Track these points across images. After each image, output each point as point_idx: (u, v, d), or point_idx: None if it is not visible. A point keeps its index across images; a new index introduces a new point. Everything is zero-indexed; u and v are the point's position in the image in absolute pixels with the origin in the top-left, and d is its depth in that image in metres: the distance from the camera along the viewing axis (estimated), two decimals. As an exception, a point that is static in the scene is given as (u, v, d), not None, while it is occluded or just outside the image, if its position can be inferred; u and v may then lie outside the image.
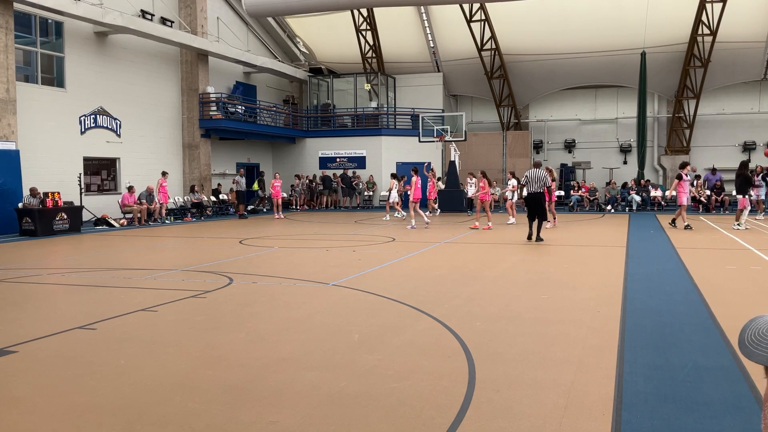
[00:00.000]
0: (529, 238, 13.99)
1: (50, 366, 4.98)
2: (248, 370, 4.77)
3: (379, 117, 30.13)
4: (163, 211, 21.30)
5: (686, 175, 17.05)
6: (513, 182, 19.79)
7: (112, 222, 19.43)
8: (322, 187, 28.54)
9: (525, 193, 14.50)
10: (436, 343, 5.52)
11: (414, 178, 18.66)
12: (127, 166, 22.56)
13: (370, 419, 3.81)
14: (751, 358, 0.86)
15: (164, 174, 21.74)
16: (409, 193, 19.34)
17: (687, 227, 16.33)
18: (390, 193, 20.96)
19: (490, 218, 17.34)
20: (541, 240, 13.82)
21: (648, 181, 27.10)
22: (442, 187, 24.98)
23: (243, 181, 23.48)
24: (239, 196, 23.48)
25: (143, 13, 22.51)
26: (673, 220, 17.39)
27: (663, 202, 25.87)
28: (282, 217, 22.51)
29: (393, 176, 21.25)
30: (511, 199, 19.64)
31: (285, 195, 26.49)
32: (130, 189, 20.43)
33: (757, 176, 19.75)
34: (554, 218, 18.15)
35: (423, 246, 13.23)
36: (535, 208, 13.86)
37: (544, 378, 4.54)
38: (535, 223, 13.96)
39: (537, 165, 14.53)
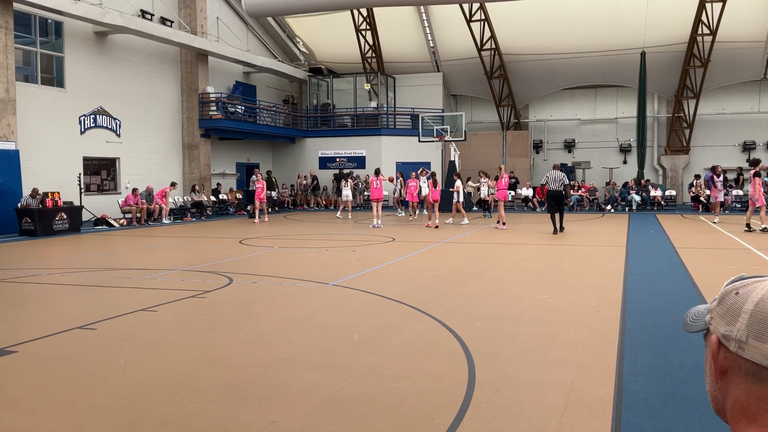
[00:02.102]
0: (555, 232, 15.69)
1: (50, 366, 4.97)
2: (248, 370, 4.77)
3: (378, 117, 30.12)
4: (164, 214, 21.27)
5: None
6: (458, 183, 19.89)
7: (112, 222, 19.43)
8: (312, 187, 28.38)
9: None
10: (436, 343, 5.52)
11: (371, 179, 19.46)
12: (127, 166, 22.55)
13: (370, 419, 3.81)
14: (692, 329, 0.96)
15: (173, 185, 21.86)
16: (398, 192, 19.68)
17: (748, 229, 15.13)
18: (342, 192, 21.80)
19: (437, 217, 18.28)
20: (563, 230, 15.76)
21: (648, 180, 27.10)
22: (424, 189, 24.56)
23: (255, 178, 23.50)
24: (250, 196, 23.60)
25: (143, 13, 22.50)
26: (765, 228, 14.97)
27: (663, 202, 25.87)
28: (266, 219, 21.11)
29: (345, 176, 21.83)
30: (457, 201, 19.60)
31: (274, 195, 26.46)
32: (135, 191, 20.44)
33: (718, 177, 18.17)
34: (503, 222, 17.42)
35: (423, 246, 13.23)
36: (556, 204, 15.83)
37: (544, 378, 4.54)
38: (557, 217, 15.84)
39: (556, 167, 16.36)
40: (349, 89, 31.56)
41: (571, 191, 26.44)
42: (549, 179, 15.90)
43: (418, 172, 22.41)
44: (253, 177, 22.48)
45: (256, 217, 21.06)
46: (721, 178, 18.29)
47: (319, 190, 28.60)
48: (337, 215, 22.06)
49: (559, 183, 15.75)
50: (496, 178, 18.19)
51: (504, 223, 17.36)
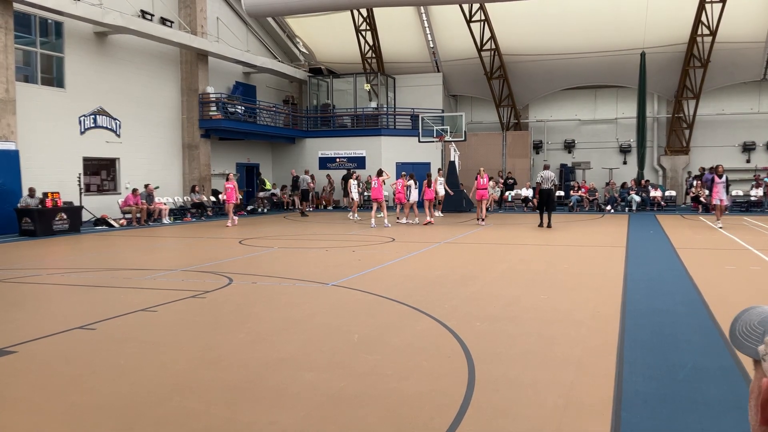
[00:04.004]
0: (540, 225, 17.43)
1: (50, 366, 4.97)
2: (248, 370, 4.78)
3: (378, 117, 30.12)
4: (164, 214, 21.25)
5: None
6: (410, 183, 20.71)
7: (112, 222, 19.43)
8: (290, 189, 28.02)
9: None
10: (436, 343, 5.52)
11: (372, 179, 19.99)
12: (127, 166, 22.54)
13: (369, 419, 3.81)
14: (741, 350, 0.87)
15: (146, 187, 21.66)
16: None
17: None
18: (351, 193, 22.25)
19: (430, 214, 19.81)
20: (550, 227, 17.05)
21: (648, 181, 27.11)
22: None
23: (308, 178, 24.90)
24: (304, 194, 24.35)
25: (143, 14, 22.51)
26: None
27: (662, 203, 25.87)
28: (235, 223, 19.47)
29: (346, 177, 22.34)
30: (409, 200, 20.30)
31: (261, 195, 26.41)
32: (135, 191, 20.44)
33: (720, 177, 16.64)
34: (481, 218, 19.36)
35: (422, 246, 13.23)
36: (547, 201, 17.51)
37: (544, 378, 4.54)
38: (546, 215, 17.48)
39: (547, 167, 18.34)
40: (349, 89, 31.55)
41: (571, 191, 26.55)
42: (543, 179, 17.57)
43: (437, 173, 22.65)
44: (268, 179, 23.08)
45: (229, 221, 19.50)
46: (724, 179, 16.91)
47: (297, 190, 28.16)
48: (349, 216, 21.88)
49: (550, 183, 17.56)
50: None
51: (482, 219, 19.23)
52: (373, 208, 18.95)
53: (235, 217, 20.04)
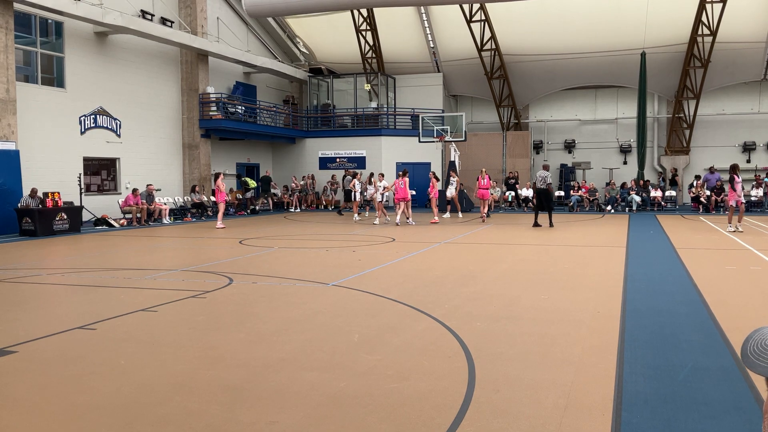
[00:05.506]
0: (535, 225, 17.54)
1: (50, 366, 4.98)
2: (248, 370, 4.78)
3: (379, 117, 30.13)
4: (164, 214, 21.25)
5: None
6: (385, 183, 21.20)
7: (112, 222, 19.43)
8: (261, 189, 27.75)
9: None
10: (436, 343, 5.52)
11: (396, 180, 20.06)
12: (127, 166, 22.55)
13: (370, 419, 3.81)
14: (753, 369, 0.87)
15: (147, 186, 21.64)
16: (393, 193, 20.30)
17: None
18: (355, 194, 22.35)
19: (435, 213, 20.67)
20: (552, 226, 17.39)
21: (648, 181, 27.11)
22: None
23: (350, 178, 25.11)
24: (348, 195, 24.95)
25: (143, 14, 22.51)
26: None
27: (663, 203, 25.87)
28: (223, 226, 18.65)
29: (353, 176, 23.13)
30: (380, 201, 20.73)
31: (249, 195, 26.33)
32: (135, 191, 20.45)
33: (738, 177, 15.68)
34: (483, 217, 20.25)
35: (423, 246, 13.24)
36: (540, 200, 17.94)
37: (544, 378, 4.54)
38: (542, 215, 17.88)
39: (546, 168, 18.50)
40: (350, 89, 31.56)
41: (571, 192, 26.56)
42: (538, 179, 18.07)
43: (451, 177, 22.71)
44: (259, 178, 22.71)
45: (219, 221, 18.83)
46: (740, 179, 15.71)
47: (269, 192, 28.01)
48: (358, 216, 21.92)
49: (542, 182, 17.89)
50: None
51: (482, 218, 20.03)
52: (399, 208, 19.10)
53: (219, 222, 18.90)
